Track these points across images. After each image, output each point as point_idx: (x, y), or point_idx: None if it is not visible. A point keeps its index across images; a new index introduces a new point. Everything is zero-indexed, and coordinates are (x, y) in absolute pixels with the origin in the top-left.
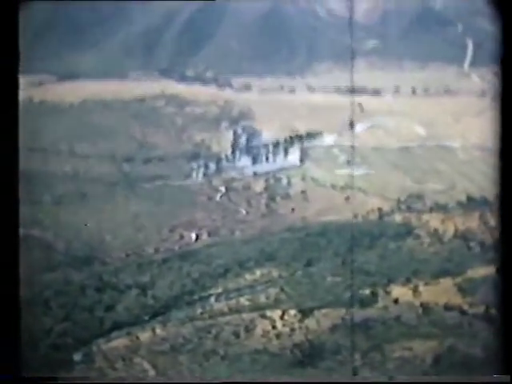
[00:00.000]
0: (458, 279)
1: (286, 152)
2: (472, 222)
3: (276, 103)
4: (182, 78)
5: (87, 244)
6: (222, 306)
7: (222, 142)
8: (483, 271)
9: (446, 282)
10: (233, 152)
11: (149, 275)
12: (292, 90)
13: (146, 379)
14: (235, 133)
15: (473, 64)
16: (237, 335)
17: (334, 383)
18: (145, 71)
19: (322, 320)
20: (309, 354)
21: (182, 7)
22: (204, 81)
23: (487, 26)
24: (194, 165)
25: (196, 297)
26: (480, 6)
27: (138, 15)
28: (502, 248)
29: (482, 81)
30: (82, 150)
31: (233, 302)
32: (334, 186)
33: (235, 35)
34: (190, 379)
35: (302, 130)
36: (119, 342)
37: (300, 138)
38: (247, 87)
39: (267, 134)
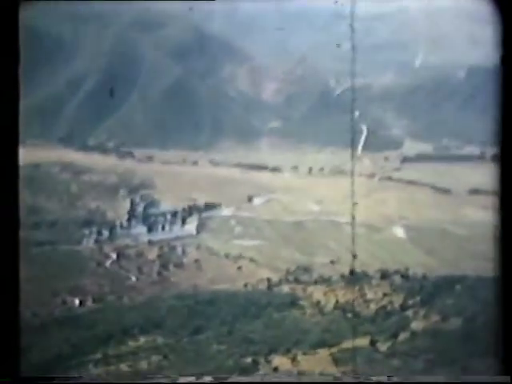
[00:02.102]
0: (334, 349)
1: (183, 222)
2: (351, 295)
3: (177, 175)
4: (82, 147)
5: None
6: (100, 371)
7: (118, 210)
8: (357, 342)
9: (323, 352)
10: (128, 220)
11: (24, 341)
12: (195, 163)
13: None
14: (132, 201)
15: (366, 148)
16: None
17: (334, 383)
18: (43, 139)
19: None
20: None
21: (86, 76)
22: (105, 150)
23: (381, 113)
24: (86, 231)
25: (73, 362)
26: (376, 94)
27: (41, 80)
28: (500, 248)
29: (372, 163)
30: None
31: (112, 368)
32: (227, 256)
33: (140, 107)
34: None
35: (202, 201)
36: None
37: (198, 208)
38: (149, 158)
39: (166, 204)
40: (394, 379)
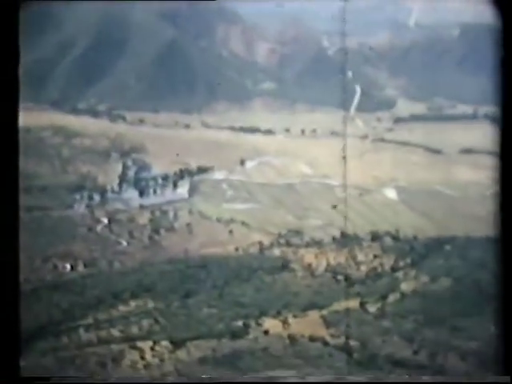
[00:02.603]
0: (324, 312)
1: (175, 185)
2: (342, 257)
3: (169, 138)
4: (74, 111)
5: None
6: (90, 336)
7: (110, 174)
8: (347, 304)
9: (313, 315)
10: (120, 184)
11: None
12: (187, 126)
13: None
14: (124, 165)
15: (359, 109)
16: (103, 366)
17: (334, 383)
18: (35, 103)
19: (193, 351)
20: None
21: (77, 40)
22: (96, 114)
23: (374, 74)
24: (77, 196)
25: (63, 327)
26: (370, 54)
27: (31, 46)
28: (501, 247)
29: (365, 125)
30: None
31: (103, 333)
32: (219, 220)
33: (132, 71)
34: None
35: (194, 164)
36: None
37: (190, 172)
38: (141, 121)
39: (158, 168)
40: (394, 379)
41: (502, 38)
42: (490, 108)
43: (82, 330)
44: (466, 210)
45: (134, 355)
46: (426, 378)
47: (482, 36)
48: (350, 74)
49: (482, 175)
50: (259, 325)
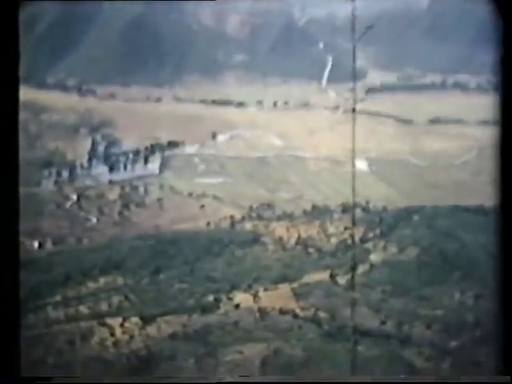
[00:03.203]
0: (295, 284)
1: (145, 160)
2: (313, 230)
3: (140, 112)
4: (42, 85)
5: None
6: (58, 314)
7: (79, 150)
8: (318, 276)
9: (284, 288)
10: (89, 160)
11: None
12: (158, 100)
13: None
14: (93, 141)
15: (330, 80)
16: (71, 343)
17: (334, 383)
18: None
19: (163, 327)
20: (145, 361)
21: (44, 12)
22: (65, 88)
23: (346, 44)
24: (45, 172)
25: (31, 305)
26: (341, 24)
27: None
28: (502, 247)
29: (337, 96)
30: None
31: (71, 311)
32: (190, 195)
33: (101, 44)
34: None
35: (165, 139)
36: None
37: (161, 147)
38: (111, 96)
39: (128, 143)
40: (394, 379)
41: (502, 38)
42: (459, 76)
43: (49, 308)
44: (435, 180)
45: (103, 332)
46: (426, 378)
47: (450, 4)
48: (321, 44)
49: (450, 145)
50: (230, 299)
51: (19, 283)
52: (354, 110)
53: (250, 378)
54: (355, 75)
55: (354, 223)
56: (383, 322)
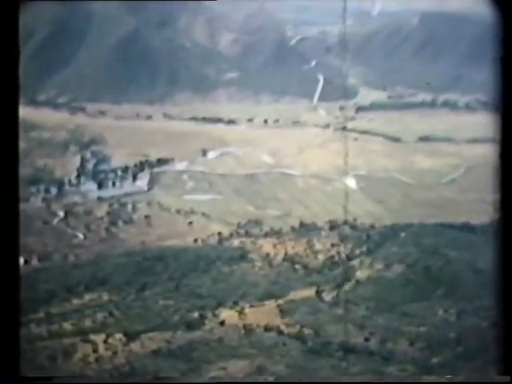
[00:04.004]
0: (280, 301)
1: (134, 177)
2: (300, 247)
3: (130, 130)
4: (32, 103)
5: None
6: (41, 330)
7: (68, 167)
8: (304, 293)
9: (270, 304)
10: (78, 177)
11: None
12: (149, 117)
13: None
14: (83, 158)
15: (321, 98)
16: (53, 360)
17: (334, 383)
18: None
19: (147, 343)
20: (128, 377)
21: (35, 29)
22: (55, 106)
23: (337, 62)
24: (33, 189)
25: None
26: (333, 43)
27: None
28: (500, 247)
29: (327, 114)
30: None
31: (55, 327)
32: (178, 211)
33: (92, 62)
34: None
35: (154, 156)
36: None
37: (150, 164)
38: (102, 113)
39: (117, 160)
40: (395, 379)
41: (502, 38)
42: (449, 95)
43: (32, 325)
44: (422, 198)
45: (85, 348)
46: (426, 378)
47: (440, 23)
48: (313, 63)
49: (438, 163)
50: (215, 316)
51: (19, 285)
52: (344, 128)
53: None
54: (346, 94)
55: (342, 240)
56: (367, 339)
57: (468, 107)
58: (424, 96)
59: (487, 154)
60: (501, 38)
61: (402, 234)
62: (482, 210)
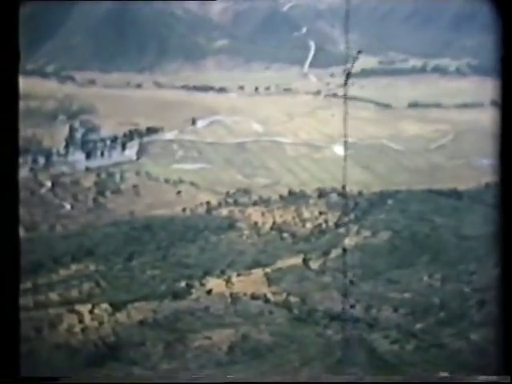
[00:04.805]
0: (268, 269)
1: (123, 147)
2: (288, 215)
3: (120, 98)
4: (21, 72)
5: None
6: (27, 301)
7: (56, 137)
8: (291, 261)
9: (257, 273)
10: (66, 147)
11: None
12: (138, 86)
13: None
14: (71, 127)
15: (313, 65)
16: (38, 331)
17: (334, 383)
18: None
19: (133, 313)
20: (113, 348)
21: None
22: (44, 75)
23: (329, 29)
24: (21, 159)
25: None
26: (324, 9)
27: None
28: (503, 244)
29: (318, 81)
30: None
31: (41, 298)
32: (167, 181)
33: (81, 30)
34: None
35: (144, 125)
36: None
37: (140, 133)
38: (91, 82)
39: (106, 129)
40: (394, 379)
41: (502, 38)
42: (439, 61)
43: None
44: (410, 164)
45: (71, 319)
46: (426, 378)
47: None
48: (304, 29)
49: (427, 129)
50: (202, 285)
51: (19, 281)
52: (345, 96)
53: (223, 366)
54: (337, 60)
55: (330, 208)
56: (352, 306)
57: (458, 72)
58: (414, 62)
59: (476, 119)
60: (501, 38)
61: (390, 201)
62: (469, 175)
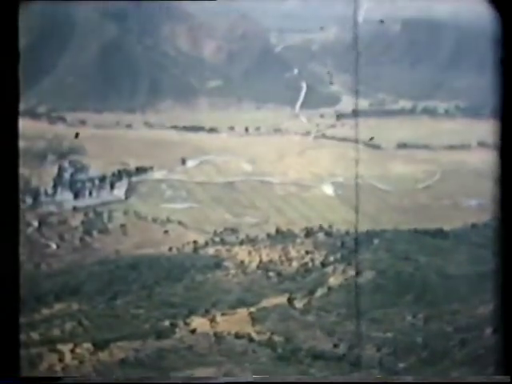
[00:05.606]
0: (252, 309)
1: (112, 186)
2: (275, 254)
3: (110, 139)
4: None
5: None
6: None
7: (44, 177)
8: (276, 300)
9: (242, 312)
10: (54, 186)
11: None
12: (129, 126)
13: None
14: (60, 167)
15: (303, 105)
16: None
17: (334, 383)
18: None
19: (115, 352)
20: None
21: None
22: (35, 115)
23: (320, 70)
24: None
25: None
26: (316, 50)
27: None
28: (502, 244)
29: (308, 121)
30: None
31: (22, 337)
32: (155, 220)
33: (73, 71)
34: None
35: (134, 165)
36: None
37: (129, 172)
38: (82, 122)
39: (96, 169)
40: (394, 379)
41: (502, 38)
42: (429, 103)
43: None
44: (397, 204)
45: (52, 358)
46: (426, 378)
47: (422, 30)
48: (296, 71)
49: (414, 169)
50: (187, 324)
51: (19, 282)
52: (324, 135)
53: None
54: (328, 101)
55: (316, 247)
56: (335, 345)
57: (447, 113)
58: (404, 103)
59: (463, 159)
60: (500, 40)
61: (376, 241)
62: (455, 215)
